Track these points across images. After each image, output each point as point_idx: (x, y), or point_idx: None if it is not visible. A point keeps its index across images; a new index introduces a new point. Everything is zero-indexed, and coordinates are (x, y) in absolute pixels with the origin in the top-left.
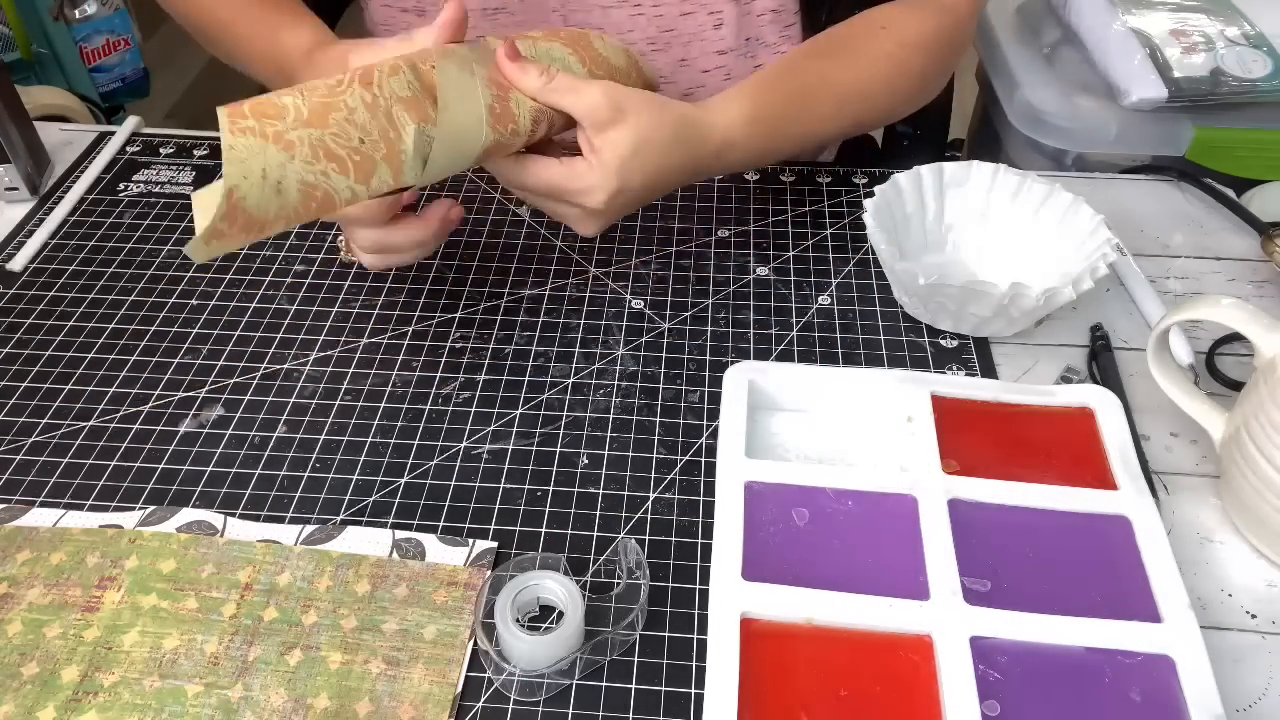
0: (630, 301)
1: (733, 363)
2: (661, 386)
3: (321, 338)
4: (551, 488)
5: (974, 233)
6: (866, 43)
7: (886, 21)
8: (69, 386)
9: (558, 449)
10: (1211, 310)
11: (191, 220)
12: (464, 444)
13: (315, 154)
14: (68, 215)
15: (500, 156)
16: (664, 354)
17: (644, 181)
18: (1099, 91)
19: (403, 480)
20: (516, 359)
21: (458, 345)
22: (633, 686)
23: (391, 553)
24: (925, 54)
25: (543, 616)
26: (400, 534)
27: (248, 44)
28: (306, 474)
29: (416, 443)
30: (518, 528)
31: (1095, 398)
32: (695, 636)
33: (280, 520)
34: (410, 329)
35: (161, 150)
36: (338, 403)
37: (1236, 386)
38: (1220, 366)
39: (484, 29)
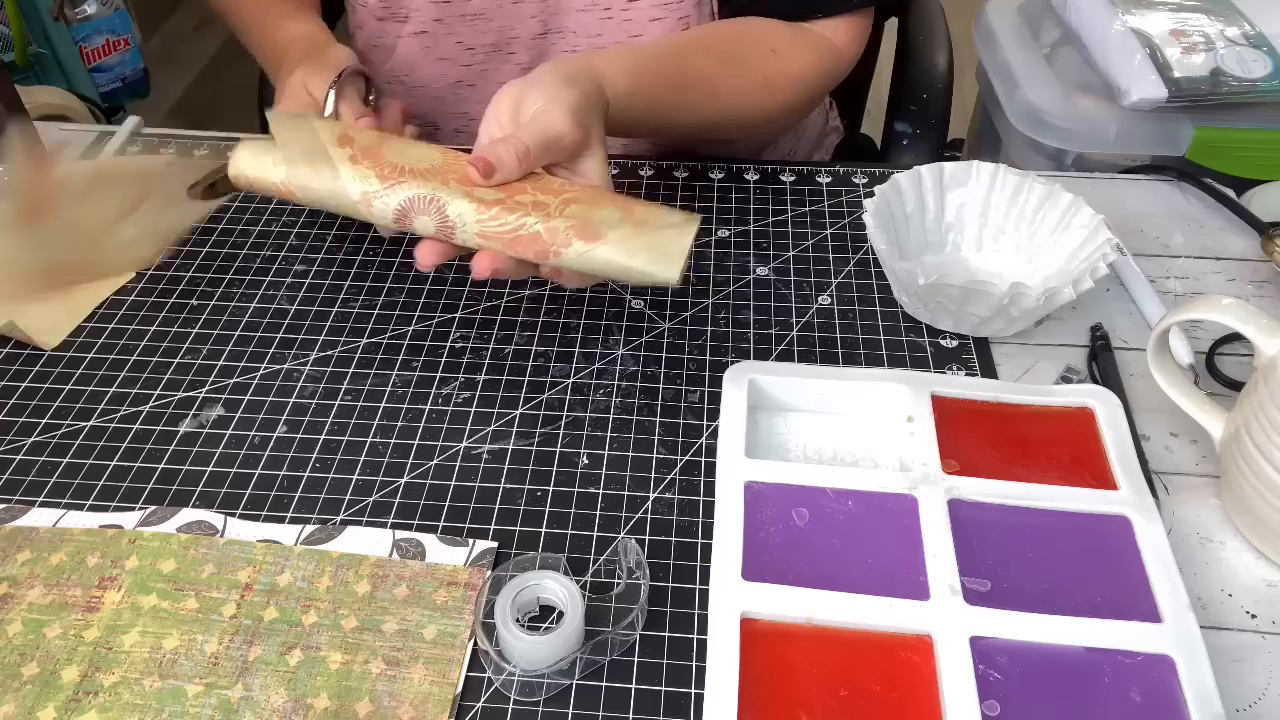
0: (630, 301)
1: (733, 363)
2: (661, 386)
3: (321, 338)
4: (551, 488)
5: (974, 233)
6: (753, 60)
7: (778, 46)
8: (69, 386)
9: (558, 449)
10: (1211, 310)
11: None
12: (464, 444)
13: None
14: None
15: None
16: (664, 354)
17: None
18: (1099, 91)
19: (403, 480)
20: (516, 359)
21: (458, 345)
22: (633, 686)
23: (391, 553)
24: (800, 91)
25: (543, 616)
26: (400, 534)
27: (256, 29)
28: (306, 474)
29: (416, 443)
30: (518, 528)
31: (1095, 398)
32: (695, 636)
33: (280, 520)
34: (410, 329)
35: (161, 150)
36: (338, 403)
37: (1236, 386)
38: (1220, 366)
39: (462, 34)
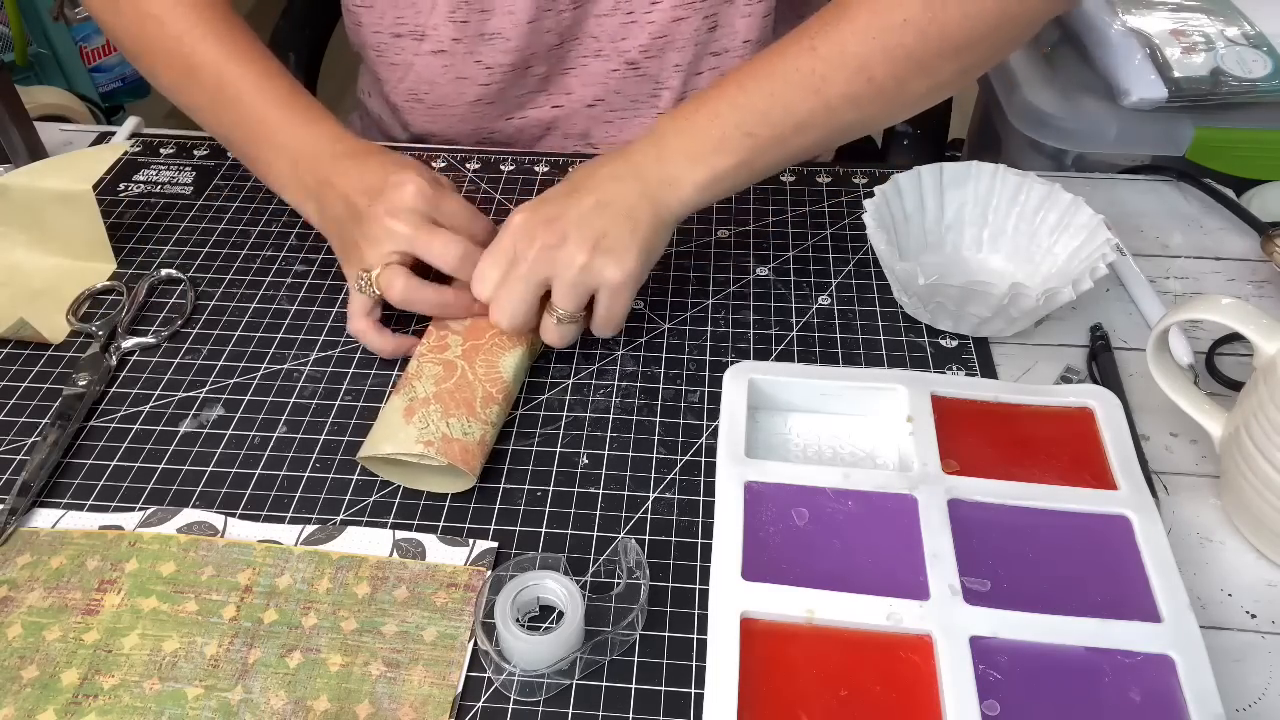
0: None
1: (733, 363)
2: (661, 386)
3: (321, 338)
4: (551, 488)
5: (974, 233)
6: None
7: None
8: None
9: (558, 449)
10: (1211, 310)
11: (189, 222)
12: None
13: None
14: None
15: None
16: (664, 354)
17: (562, 188)
18: (1099, 91)
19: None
20: None
21: None
22: (633, 686)
23: (392, 552)
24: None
25: (543, 616)
26: (400, 534)
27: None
28: (306, 474)
29: None
30: (518, 528)
31: (1095, 398)
32: (695, 636)
33: (280, 520)
34: (411, 329)
35: (161, 150)
36: (338, 403)
37: (1236, 386)
38: (1220, 366)
39: (481, 54)
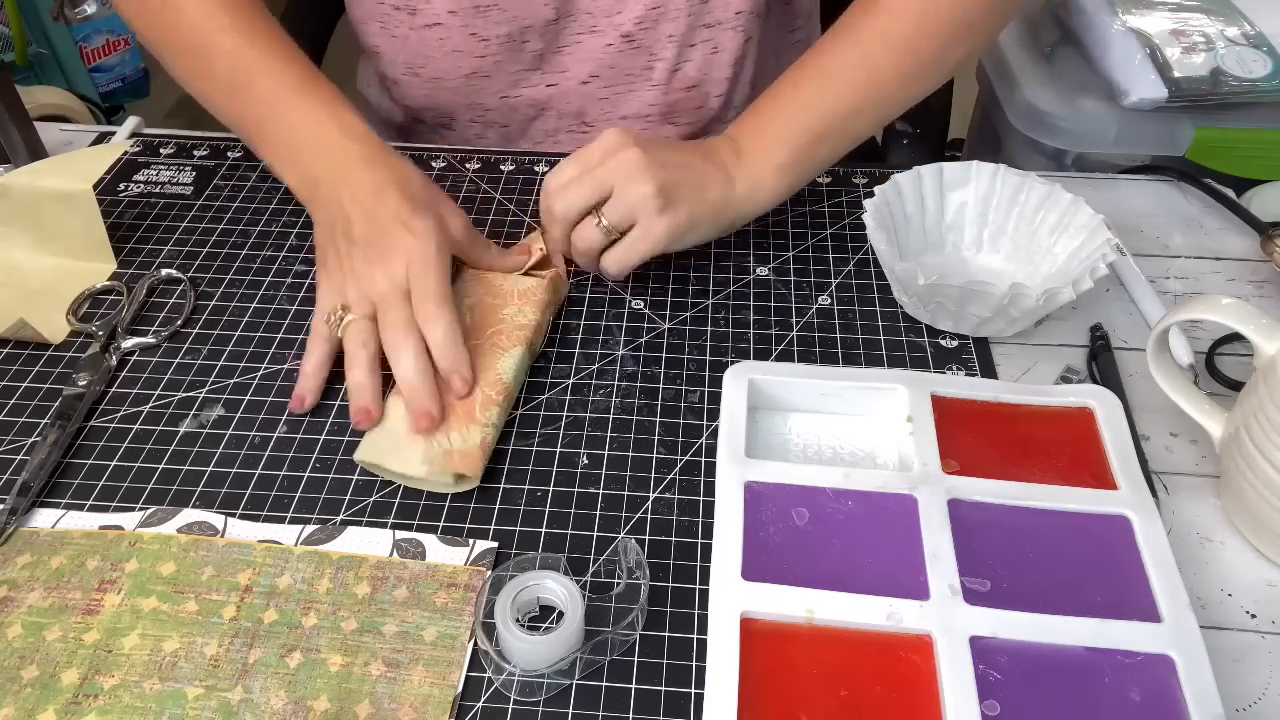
0: (630, 301)
1: (733, 363)
2: (661, 386)
3: None
4: (551, 488)
5: (974, 233)
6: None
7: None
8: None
9: (558, 449)
10: (1211, 310)
11: (189, 222)
12: None
13: None
14: None
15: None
16: (664, 354)
17: (659, 138)
18: (1099, 91)
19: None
20: None
21: None
22: (633, 686)
23: (392, 552)
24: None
25: (543, 616)
26: (400, 534)
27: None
28: (306, 474)
29: None
30: (518, 528)
31: (1095, 398)
32: (695, 636)
33: (280, 520)
34: None
35: (161, 150)
36: (338, 403)
37: (1236, 386)
38: (1220, 366)
39: (476, 26)
